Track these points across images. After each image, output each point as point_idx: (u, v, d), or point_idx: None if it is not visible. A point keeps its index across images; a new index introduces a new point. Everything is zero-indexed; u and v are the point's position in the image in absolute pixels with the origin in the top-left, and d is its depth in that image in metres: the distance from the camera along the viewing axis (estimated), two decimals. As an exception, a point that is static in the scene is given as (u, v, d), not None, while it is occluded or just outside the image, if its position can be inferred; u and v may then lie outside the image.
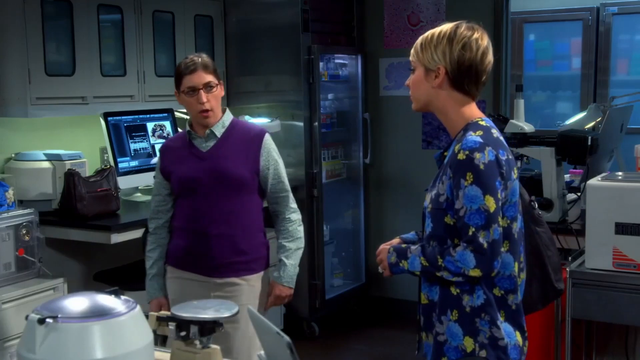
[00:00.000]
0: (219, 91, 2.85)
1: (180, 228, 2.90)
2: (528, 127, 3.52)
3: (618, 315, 3.06)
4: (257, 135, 2.88)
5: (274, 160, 2.88)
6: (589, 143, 3.39)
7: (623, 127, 4.10)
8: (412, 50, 2.08)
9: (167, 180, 2.92)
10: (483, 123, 2.02)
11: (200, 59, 2.81)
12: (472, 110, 2.06)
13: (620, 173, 3.26)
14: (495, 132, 2.02)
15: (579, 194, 3.63)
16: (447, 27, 2.04)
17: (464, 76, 2.01)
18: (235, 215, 2.83)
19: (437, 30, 2.04)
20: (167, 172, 2.90)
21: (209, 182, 2.82)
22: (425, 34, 2.06)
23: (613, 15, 5.88)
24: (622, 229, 2.96)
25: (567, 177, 3.96)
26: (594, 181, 3.09)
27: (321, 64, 4.91)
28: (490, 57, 2.04)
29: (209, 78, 2.80)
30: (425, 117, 5.14)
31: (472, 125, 2.01)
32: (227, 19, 4.92)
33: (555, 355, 3.26)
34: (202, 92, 2.78)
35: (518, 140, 3.46)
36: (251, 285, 2.86)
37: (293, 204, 2.96)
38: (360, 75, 5.30)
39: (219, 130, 2.85)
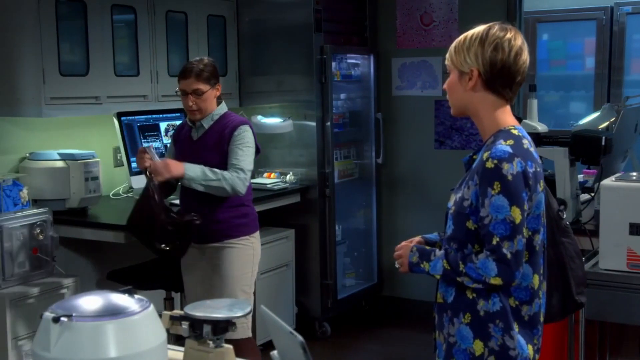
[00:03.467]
0: (210, 94, 3.35)
1: (181, 205, 3.50)
2: (541, 127, 3.51)
3: (632, 316, 3.04)
4: (232, 128, 3.34)
5: (236, 145, 3.31)
6: (603, 143, 3.37)
7: (637, 127, 4.07)
8: (447, 54, 2.07)
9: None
10: (515, 132, 2.00)
11: (196, 66, 3.33)
12: (506, 116, 2.04)
13: (634, 173, 3.23)
14: (526, 143, 1.99)
15: (592, 194, 3.61)
16: (479, 29, 2.03)
17: (497, 77, 1.99)
18: (211, 194, 3.28)
19: (469, 32, 2.03)
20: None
21: None
22: (459, 37, 2.05)
23: (627, 14, 5.84)
24: (636, 229, 2.94)
25: (580, 177, 3.94)
26: (608, 181, 3.07)
27: (333, 63, 4.91)
28: (524, 57, 2.01)
29: (199, 86, 3.32)
30: (438, 117, 5.13)
31: (503, 133, 1.99)
32: (240, 19, 4.92)
33: (568, 356, 3.25)
34: (190, 96, 3.32)
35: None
36: (231, 246, 3.38)
37: (237, 172, 3.27)
38: (373, 75, 5.30)
39: (207, 123, 3.39)
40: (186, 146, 3.44)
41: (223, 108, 3.43)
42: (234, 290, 3.36)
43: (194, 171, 3.25)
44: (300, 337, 1.49)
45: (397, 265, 2.17)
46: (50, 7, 3.66)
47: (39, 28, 3.62)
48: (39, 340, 1.60)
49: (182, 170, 3.23)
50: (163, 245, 3.26)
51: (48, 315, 1.58)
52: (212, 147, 3.35)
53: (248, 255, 3.42)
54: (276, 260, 4.57)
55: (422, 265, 2.07)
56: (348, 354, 4.73)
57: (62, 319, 1.56)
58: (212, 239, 3.39)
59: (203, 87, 3.32)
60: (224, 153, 3.32)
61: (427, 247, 2.11)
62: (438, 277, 2.06)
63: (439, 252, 2.05)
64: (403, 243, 2.17)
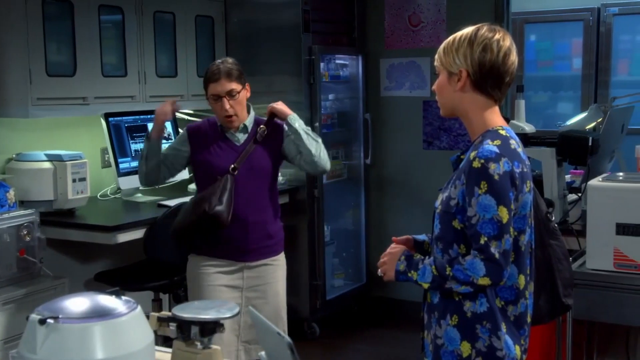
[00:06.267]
0: (243, 95, 3.08)
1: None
2: (529, 128, 3.52)
3: (619, 316, 3.06)
4: (278, 126, 3.16)
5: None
6: (590, 144, 3.39)
7: (624, 127, 4.10)
8: (436, 56, 2.08)
9: (187, 162, 3.16)
10: (503, 132, 2.01)
11: (223, 66, 3.03)
12: (494, 117, 2.05)
13: (621, 174, 3.25)
14: (514, 143, 2.00)
15: (579, 194, 3.62)
16: (468, 30, 2.03)
17: (486, 78, 2.00)
18: (265, 203, 3.12)
19: (458, 33, 2.04)
20: (197, 158, 3.11)
21: (246, 174, 3.05)
22: (448, 39, 2.06)
23: (614, 15, 5.88)
24: (623, 229, 2.95)
25: (567, 177, 3.96)
26: (595, 182, 3.08)
27: (322, 64, 4.91)
28: (513, 58, 2.02)
29: (232, 86, 3.02)
30: (426, 117, 5.14)
31: (491, 133, 2.00)
32: (228, 20, 4.92)
33: (556, 356, 3.26)
34: (225, 100, 3.01)
35: (519, 140, 3.45)
36: (277, 264, 3.19)
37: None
38: (361, 75, 5.30)
39: (250, 125, 3.12)
40: (229, 154, 3.08)
41: (252, 114, 3.19)
42: (280, 311, 3.22)
43: (301, 121, 3.15)
44: (287, 338, 1.49)
45: (380, 274, 2.14)
46: (37, 7, 3.64)
47: (25, 28, 3.60)
48: (26, 342, 1.59)
49: (289, 110, 3.14)
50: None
51: (34, 317, 1.57)
52: (265, 147, 3.12)
53: (285, 271, 3.26)
54: (265, 261, 4.56)
55: (409, 274, 2.04)
56: (337, 355, 4.73)
57: (49, 320, 1.55)
58: (259, 255, 3.12)
59: (236, 86, 3.03)
60: (278, 149, 3.16)
61: (415, 256, 2.08)
62: (426, 286, 2.03)
63: (427, 260, 2.03)
64: (390, 249, 2.14)
